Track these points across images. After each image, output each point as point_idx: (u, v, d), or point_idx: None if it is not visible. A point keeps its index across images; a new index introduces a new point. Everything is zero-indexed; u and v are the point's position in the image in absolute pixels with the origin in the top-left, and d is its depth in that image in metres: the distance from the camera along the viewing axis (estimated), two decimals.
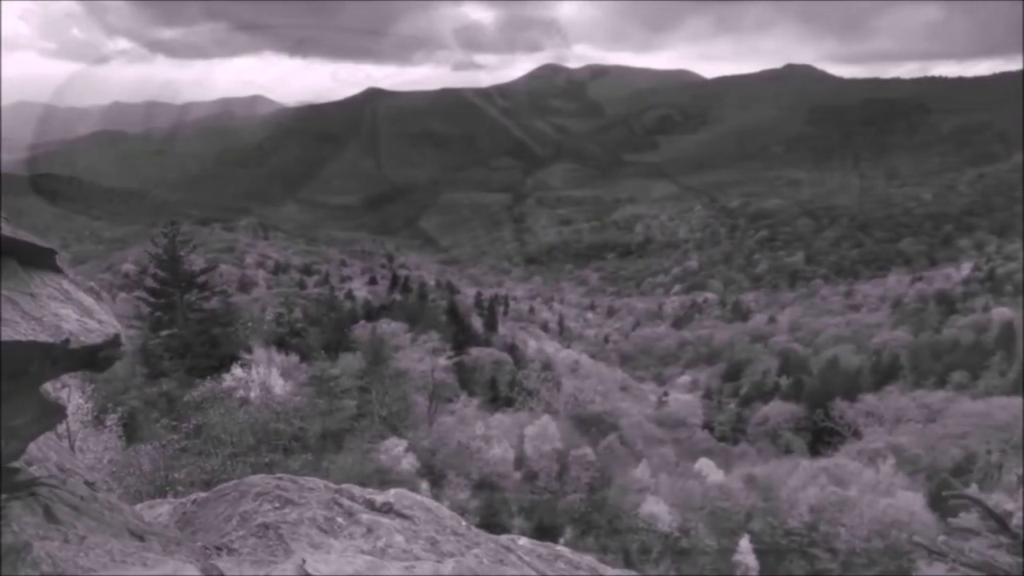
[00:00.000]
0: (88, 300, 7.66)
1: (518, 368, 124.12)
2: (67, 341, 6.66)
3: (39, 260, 7.45)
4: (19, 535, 6.87)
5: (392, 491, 11.53)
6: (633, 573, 13.09)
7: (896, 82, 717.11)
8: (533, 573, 10.02)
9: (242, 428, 33.13)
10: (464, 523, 11.36)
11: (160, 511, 11.37)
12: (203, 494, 11.82)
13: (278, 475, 11.54)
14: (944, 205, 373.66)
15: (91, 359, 7.33)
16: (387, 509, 10.83)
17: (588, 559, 11.67)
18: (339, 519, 10.25)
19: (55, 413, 8.45)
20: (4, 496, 7.60)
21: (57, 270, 7.77)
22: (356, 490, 11.44)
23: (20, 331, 6.22)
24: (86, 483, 9.47)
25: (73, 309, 7.21)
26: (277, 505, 10.31)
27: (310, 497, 10.68)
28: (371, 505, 10.92)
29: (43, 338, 6.40)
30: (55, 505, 8.14)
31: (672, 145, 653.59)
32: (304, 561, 8.01)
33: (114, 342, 7.42)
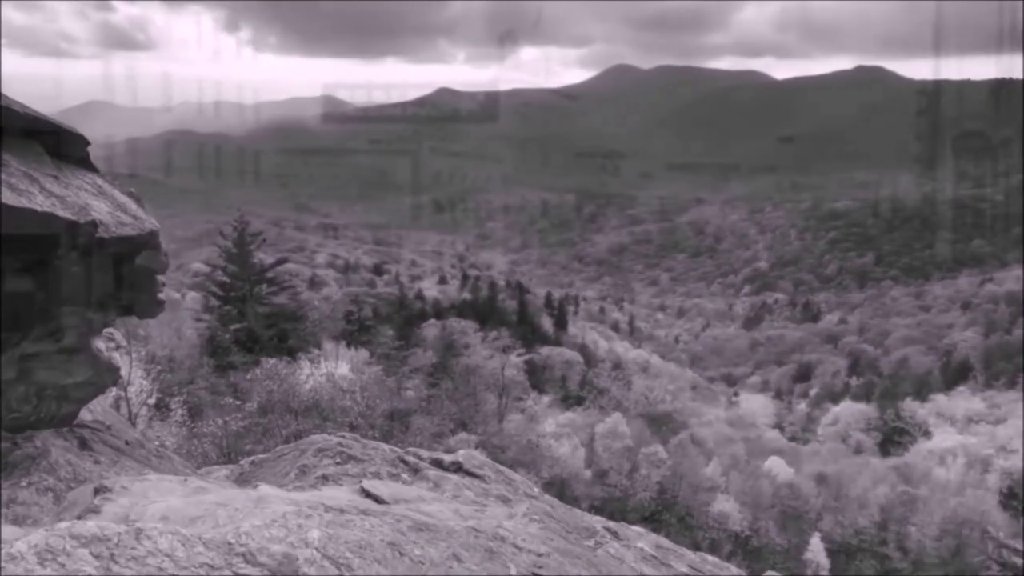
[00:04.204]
0: (123, 197, 7.03)
1: (588, 367, 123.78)
2: (94, 225, 5.98)
3: (70, 151, 6.85)
4: (39, 448, 6.31)
5: (461, 452, 11.05)
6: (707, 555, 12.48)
7: (966, 84, 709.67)
8: (613, 524, 9.41)
9: (307, 406, 32.79)
10: (537, 488, 10.86)
11: (218, 474, 10.90)
12: (262, 456, 11.36)
13: (341, 434, 11.05)
14: (1014, 206, 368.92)
15: (128, 268, 6.70)
16: (456, 468, 10.31)
17: (663, 540, 11.15)
18: (404, 475, 9.75)
19: (108, 374, 8.08)
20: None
21: (92, 168, 7.17)
22: (423, 452, 10.96)
23: (36, 202, 5.54)
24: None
25: (106, 203, 6.58)
26: (339, 461, 9.86)
27: (374, 455, 10.22)
28: (439, 464, 10.41)
29: (63, 213, 5.71)
30: (95, 443, 7.62)
31: (743, 146, 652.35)
32: (361, 480, 7.48)
33: (151, 239, 6.77)
